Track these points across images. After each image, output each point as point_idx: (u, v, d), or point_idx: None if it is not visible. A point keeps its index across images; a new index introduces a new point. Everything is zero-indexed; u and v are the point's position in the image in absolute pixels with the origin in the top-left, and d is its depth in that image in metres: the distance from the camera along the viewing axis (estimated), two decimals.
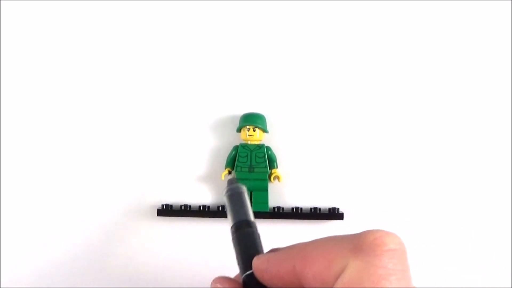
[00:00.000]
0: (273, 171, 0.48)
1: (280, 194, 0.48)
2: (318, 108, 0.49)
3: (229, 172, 0.48)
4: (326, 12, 0.48)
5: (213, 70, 0.49)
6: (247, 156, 0.47)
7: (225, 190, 0.31)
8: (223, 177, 0.47)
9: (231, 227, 0.29)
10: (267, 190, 0.47)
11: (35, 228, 0.49)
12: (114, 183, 0.49)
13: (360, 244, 0.22)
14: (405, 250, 0.23)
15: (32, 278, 0.49)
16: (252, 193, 0.47)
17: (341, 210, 0.48)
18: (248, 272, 0.26)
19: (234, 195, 0.31)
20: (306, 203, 0.48)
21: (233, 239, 0.29)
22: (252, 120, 0.47)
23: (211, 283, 0.27)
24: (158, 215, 0.48)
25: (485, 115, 0.48)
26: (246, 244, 0.28)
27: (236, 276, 0.28)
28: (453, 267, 0.48)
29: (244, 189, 0.31)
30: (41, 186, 0.49)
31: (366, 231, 0.23)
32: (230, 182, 0.32)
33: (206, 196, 0.49)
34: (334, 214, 0.48)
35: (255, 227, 0.29)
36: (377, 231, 0.23)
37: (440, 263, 0.49)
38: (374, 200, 0.48)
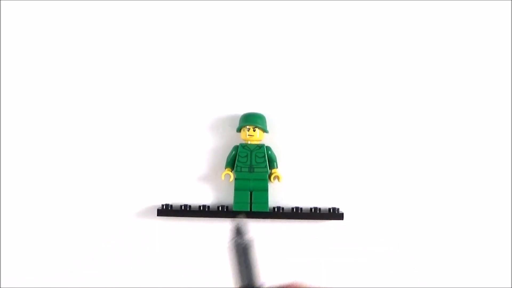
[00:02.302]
0: (273, 171, 0.48)
1: (280, 194, 0.48)
2: (318, 108, 0.49)
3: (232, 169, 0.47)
4: (326, 13, 0.48)
5: (213, 70, 0.49)
6: (247, 156, 0.47)
7: (231, 241, 0.30)
8: (223, 177, 0.47)
9: None
10: (267, 190, 0.47)
11: (35, 228, 0.49)
12: (115, 183, 0.49)
13: None
14: None
15: (32, 278, 0.49)
16: (252, 193, 0.47)
17: (341, 210, 0.48)
18: None
19: (240, 250, 0.30)
20: (306, 203, 0.48)
21: None
22: (252, 120, 0.47)
23: None
24: (158, 215, 0.48)
25: (485, 115, 0.48)
26: None
27: None
28: (453, 267, 0.48)
29: (251, 243, 0.30)
30: (41, 186, 0.49)
31: None
32: (236, 231, 0.31)
33: (206, 196, 0.49)
34: (334, 214, 0.47)
35: None
36: None
37: (440, 263, 0.48)
38: (374, 200, 0.48)
